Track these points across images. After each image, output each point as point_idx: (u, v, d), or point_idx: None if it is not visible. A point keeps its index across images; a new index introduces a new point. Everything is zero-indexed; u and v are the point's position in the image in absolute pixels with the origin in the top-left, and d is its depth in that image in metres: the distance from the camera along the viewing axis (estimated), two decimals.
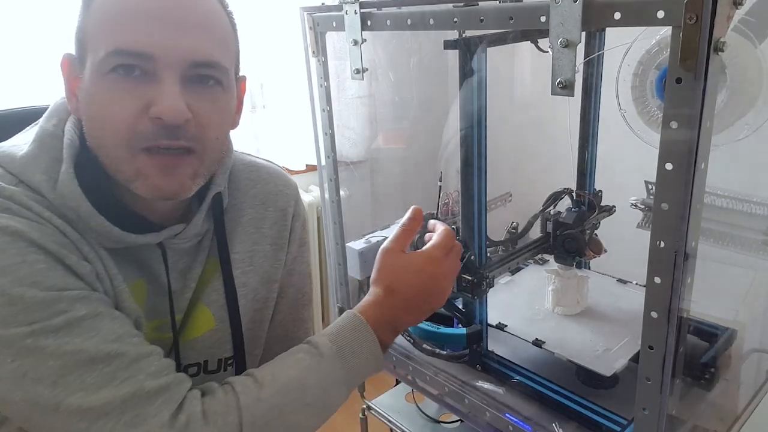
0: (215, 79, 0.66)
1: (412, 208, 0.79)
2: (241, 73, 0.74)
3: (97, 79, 0.62)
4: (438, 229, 0.79)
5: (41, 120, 0.69)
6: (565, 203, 1.09)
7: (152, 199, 0.66)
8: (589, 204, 1.08)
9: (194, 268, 0.76)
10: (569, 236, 1.01)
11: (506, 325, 1.02)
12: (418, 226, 0.79)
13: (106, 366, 0.58)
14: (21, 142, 0.67)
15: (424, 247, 0.77)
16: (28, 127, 0.72)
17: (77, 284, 0.61)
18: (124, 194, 0.69)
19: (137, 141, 0.62)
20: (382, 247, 0.77)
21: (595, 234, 1.09)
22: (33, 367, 0.56)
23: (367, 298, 0.74)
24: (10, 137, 0.72)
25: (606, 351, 0.93)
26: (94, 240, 0.65)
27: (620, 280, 1.16)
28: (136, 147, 0.62)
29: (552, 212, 1.05)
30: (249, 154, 0.87)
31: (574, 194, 1.08)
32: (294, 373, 0.66)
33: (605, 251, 1.06)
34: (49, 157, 0.65)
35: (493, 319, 1.02)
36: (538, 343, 0.96)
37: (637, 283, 1.15)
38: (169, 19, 0.61)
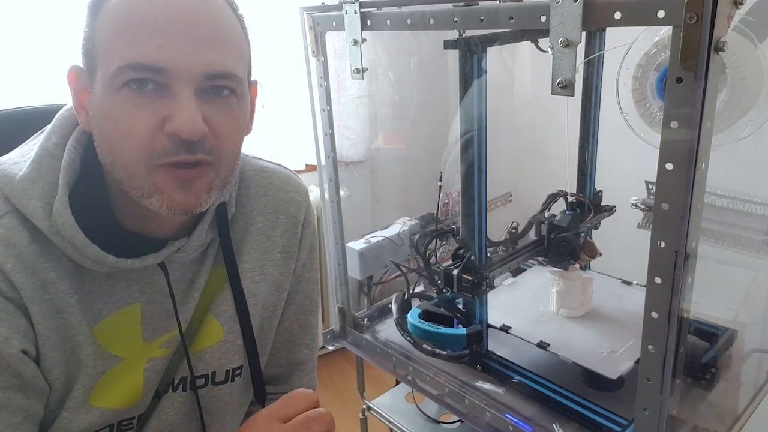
0: (230, 89, 0.64)
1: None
2: (252, 78, 0.72)
3: (110, 93, 0.60)
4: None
5: (43, 136, 0.67)
6: (561, 205, 1.08)
7: (167, 215, 0.64)
8: (583, 206, 1.07)
9: (199, 276, 0.74)
10: (564, 239, 1.00)
11: (510, 327, 1.02)
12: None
13: None
14: (22, 160, 0.65)
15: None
16: (33, 137, 0.70)
17: None
18: (125, 214, 0.68)
19: (155, 157, 0.60)
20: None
21: (590, 237, 1.09)
22: None
23: None
24: (9, 137, 0.71)
25: (611, 353, 0.93)
26: (89, 266, 0.65)
27: (625, 282, 1.16)
28: (154, 163, 0.60)
29: (546, 215, 1.04)
30: (258, 158, 0.85)
31: (568, 196, 1.07)
32: None
33: (600, 254, 1.05)
34: (46, 182, 0.63)
35: (497, 321, 1.02)
36: (542, 345, 0.95)
37: (637, 284, 1.14)
38: (181, 30, 0.59)
